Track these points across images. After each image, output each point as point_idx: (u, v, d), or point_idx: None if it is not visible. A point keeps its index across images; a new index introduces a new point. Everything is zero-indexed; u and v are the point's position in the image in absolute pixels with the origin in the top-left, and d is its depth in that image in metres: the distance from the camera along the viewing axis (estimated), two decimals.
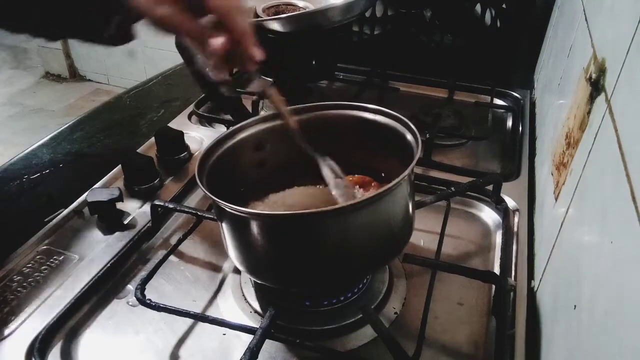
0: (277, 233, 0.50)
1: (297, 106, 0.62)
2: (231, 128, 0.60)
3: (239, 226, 0.51)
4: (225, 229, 0.52)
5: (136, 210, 0.71)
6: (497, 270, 0.62)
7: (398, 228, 0.54)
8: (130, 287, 0.61)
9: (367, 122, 0.61)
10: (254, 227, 0.49)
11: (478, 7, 1.10)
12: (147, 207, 0.69)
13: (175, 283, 0.62)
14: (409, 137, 0.56)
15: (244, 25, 0.49)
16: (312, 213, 0.47)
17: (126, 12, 0.49)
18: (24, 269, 0.61)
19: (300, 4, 0.97)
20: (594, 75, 0.52)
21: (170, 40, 0.58)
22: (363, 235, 0.50)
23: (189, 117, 0.95)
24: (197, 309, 0.58)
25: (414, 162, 0.51)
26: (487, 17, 1.10)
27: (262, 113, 0.63)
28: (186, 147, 0.82)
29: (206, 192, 0.49)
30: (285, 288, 0.58)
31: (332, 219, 0.49)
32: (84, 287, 0.58)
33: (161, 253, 0.64)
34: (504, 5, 1.08)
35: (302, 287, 0.58)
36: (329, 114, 0.63)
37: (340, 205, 0.51)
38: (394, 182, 0.48)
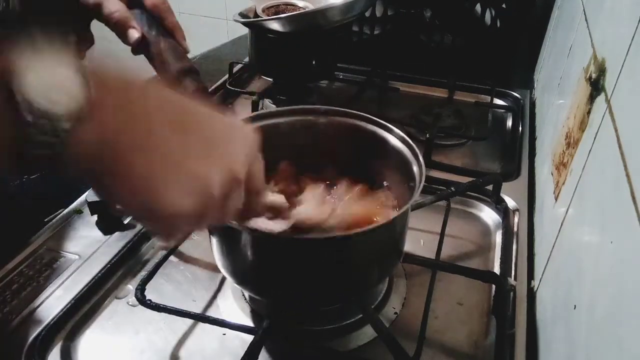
0: (269, 251, 0.50)
1: (304, 106, 0.62)
2: None
3: (235, 240, 0.50)
4: (215, 240, 0.52)
5: None
6: (497, 270, 0.62)
7: (395, 248, 0.54)
8: (130, 287, 0.61)
9: (371, 134, 0.60)
10: (247, 242, 0.49)
11: (478, 7, 1.10)
12: None
13: (175, 283, 0.62)
14: (415, 167, 0.54)
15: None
16: (311, 239, 0.48)
17: None
18: (24, 269, 0.61)
19: (300, 4, 0.96)
20: (594, 75, 0.52)
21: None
22: (360, 258, 0.50)
23: None
24: (197, 309, 0.58)
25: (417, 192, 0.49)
26: (487, 17, 1.10)
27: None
28: None
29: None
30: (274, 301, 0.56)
31: (328, 245, 0.48)
32: (84, 287, 0.58)
33: (161, 253, 0.64)
34: (504, 5, 1.07)
35: (292, 303, 0.56)
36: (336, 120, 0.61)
37: (341, 234, 0.51)
38: (396, 214, 0.48)
